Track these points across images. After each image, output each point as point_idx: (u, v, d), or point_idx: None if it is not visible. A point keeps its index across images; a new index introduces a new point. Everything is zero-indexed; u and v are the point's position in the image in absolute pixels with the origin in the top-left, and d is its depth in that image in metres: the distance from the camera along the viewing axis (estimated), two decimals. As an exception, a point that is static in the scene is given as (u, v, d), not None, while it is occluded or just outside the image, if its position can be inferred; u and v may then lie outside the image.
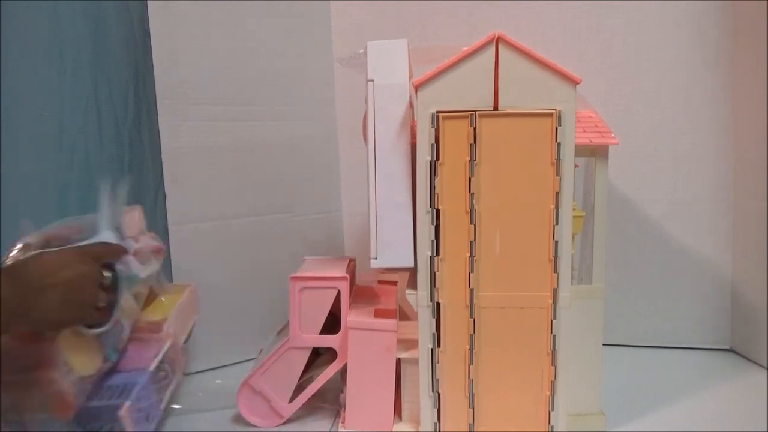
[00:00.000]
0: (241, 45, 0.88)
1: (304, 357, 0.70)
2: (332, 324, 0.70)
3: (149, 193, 1.06)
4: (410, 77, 0.64)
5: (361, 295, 0.76)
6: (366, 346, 0.66)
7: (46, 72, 1.02)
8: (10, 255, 0.64)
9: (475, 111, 0.60)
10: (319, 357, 0.74)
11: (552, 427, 0.64)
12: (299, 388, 0.72)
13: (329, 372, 0.70)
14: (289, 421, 0.71)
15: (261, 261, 0.87)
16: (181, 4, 0.82)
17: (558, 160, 0.60)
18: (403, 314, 0.74)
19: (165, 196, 0.81)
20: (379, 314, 0.68)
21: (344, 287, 0.69)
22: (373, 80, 0.62)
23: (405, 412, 0.67)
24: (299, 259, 0.79)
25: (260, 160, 0.90)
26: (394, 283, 0.79)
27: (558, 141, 0.59)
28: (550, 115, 0.59)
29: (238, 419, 0.72)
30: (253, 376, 0.71)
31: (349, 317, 0.67)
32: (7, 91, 1.00)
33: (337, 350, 0.70)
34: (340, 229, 1.03)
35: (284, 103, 0.93)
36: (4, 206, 1.00)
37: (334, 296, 0.69)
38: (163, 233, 1.05)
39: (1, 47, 0.98)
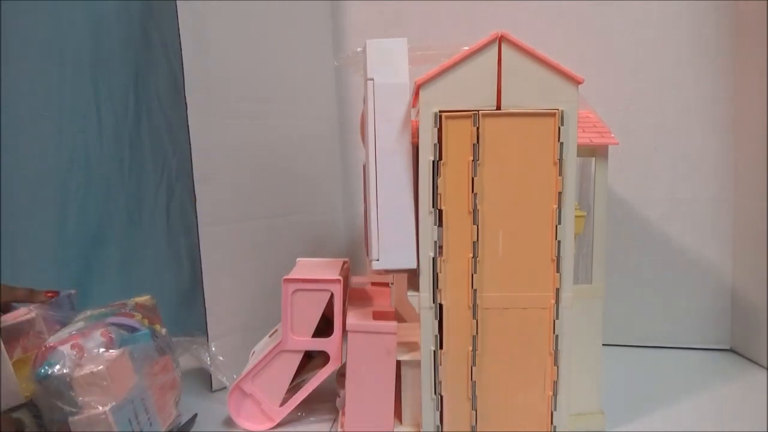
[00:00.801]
0: (255, 42, 0.87)
1: (296, 360, 0.70)
2: (324, 327, 0.70)
3: (149, 194, 1.06)
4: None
5: (356, 297, 0.75)
6: (366, 349, 0.66)
7: (46, 72, 1.01)
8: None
9: (478, 110, 0.59)
10: (311, 360, 0.73)
11: (555, 427, 0.63)
12: (291, 392, 0.71)
13: (321, 375, 0.70)
14: (284, 424, 0.71)
15: (279, 263, 0.86)
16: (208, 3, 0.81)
17: (561, 159, 0.59)
18: (399, 316, 0.73)
19: (195, 197, 0.80)
20: (378, 317, 0.68)
21: (338, 290, 0.68)
22: (372, 79, 0.61)
23: (405, 415, 0.67)
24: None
25: (275, 159, 0.90)
26: (387, 284, 0.79)
27: (561, 141, 0.59)
28: (553, 114, 0.59)
29: (229, 423, 0.71)
30: (244, 378, 0.70)
31: (348, 320, 0.67)
32: (6, 91, 1.00)
33: (329, 354, 0.69)
34: (342, 230, 1.03)
35: (293, 102, 0.92)
36: (4, 205, 1.00)
37: (327, 299, 0.69)
38: (174, 234, 1.05)
39: (0, 47, 0.97)
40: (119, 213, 1.06)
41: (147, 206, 1.06)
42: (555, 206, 0.60)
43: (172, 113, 1.03)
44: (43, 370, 0.56)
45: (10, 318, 0.66)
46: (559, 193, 0.60)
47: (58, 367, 0.56)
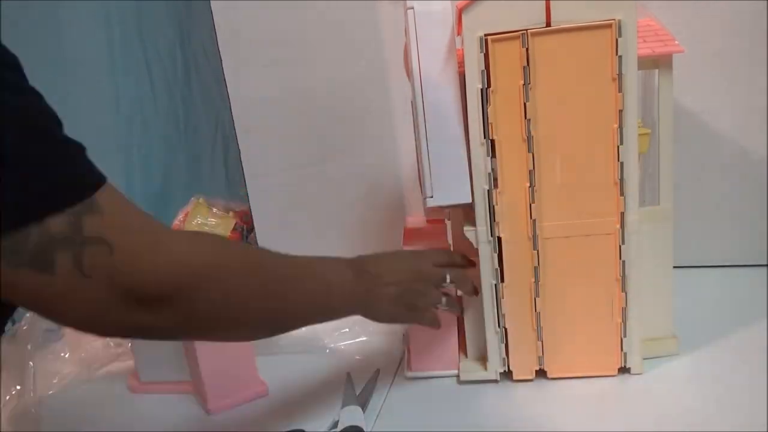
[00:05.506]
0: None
1: None
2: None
3: (206, 149, 1.08)
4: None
5: (413, 236, 0.75)
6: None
7: (96, 37, 1.03)
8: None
9: (526, 30, 0.56)
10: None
11: (625, 353, 0.62)
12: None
13: None
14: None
15: (330, 210, 0.85)
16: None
17: (620, 74, 0.55)
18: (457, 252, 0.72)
19: (239, 150, 0.80)
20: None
21: None
22: (413, 8, 0.59)
23: (470, 350, 0.67)
24: (361, 204, 0.77)
25: (318, 104, 0.88)
26: (443, 221, 0.77)
27: (619, 54, 0.55)
28: (609, 26, 0.55)
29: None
30: None
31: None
32: (62, 63, 1.03)
33: None
34: (395, 171, 1.01)
35: (331, 43, 0.90)
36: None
37: None
38: (234, 186, 1.07)
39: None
40: (179, 170, 1.09)
41: (206, 161, 1.08)
42: (616, 126, 0.57)
43: (219, 66, 1.03)
44: None
45: None
46: (620, 111, 0.57)
47: None
